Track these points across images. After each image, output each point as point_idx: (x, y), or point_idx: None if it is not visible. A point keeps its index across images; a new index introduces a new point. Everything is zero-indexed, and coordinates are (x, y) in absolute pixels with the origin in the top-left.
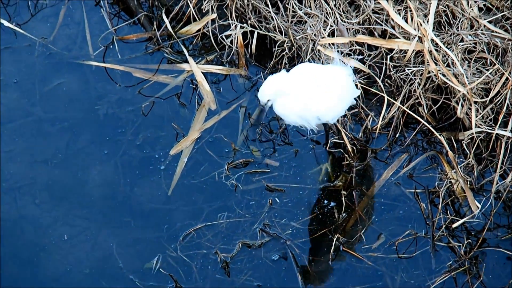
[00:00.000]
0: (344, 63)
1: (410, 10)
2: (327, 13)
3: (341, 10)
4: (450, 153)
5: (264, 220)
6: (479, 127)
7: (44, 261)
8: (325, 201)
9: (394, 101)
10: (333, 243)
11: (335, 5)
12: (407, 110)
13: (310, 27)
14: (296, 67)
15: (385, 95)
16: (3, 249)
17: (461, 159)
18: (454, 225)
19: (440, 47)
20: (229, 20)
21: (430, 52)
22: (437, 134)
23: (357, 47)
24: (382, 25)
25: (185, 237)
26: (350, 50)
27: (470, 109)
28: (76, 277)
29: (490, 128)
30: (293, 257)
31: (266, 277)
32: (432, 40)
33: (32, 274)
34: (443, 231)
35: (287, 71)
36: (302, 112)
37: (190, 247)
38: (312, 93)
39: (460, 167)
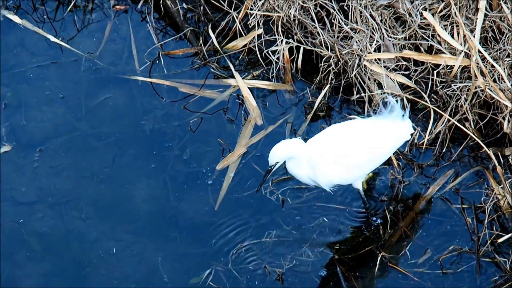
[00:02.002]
0: (392, 109)
1: (457, 26)
2: (373, 28)
3: (387, 26)
4: (498, 168)
5: (310, 236)
6: None
7: (91, 276)
8: (371, 218)
9: (443, 113)
10: (379, 259)
11: (381, 20)
12: (455, 122)
13: (356, 42)
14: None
15: (431, 109)
16: (49, 265)
17: (508, 175)
18: (500, 240)
19: (487, 62)
20: (275, 36)
21: (477, 66)
22: (486, 148)
23: (404, 63)
24: (428, 41)
25: (233, 253)
26: (397, 66)
27: None
28: None
29: None
30: (341, 272)
31: None
32: (479, 55)
33: None
34: (489, 246)
35: (303, 139)
36: (316, 179)
37: (237, 262)
38: (330, 162)
39: (507, 183)
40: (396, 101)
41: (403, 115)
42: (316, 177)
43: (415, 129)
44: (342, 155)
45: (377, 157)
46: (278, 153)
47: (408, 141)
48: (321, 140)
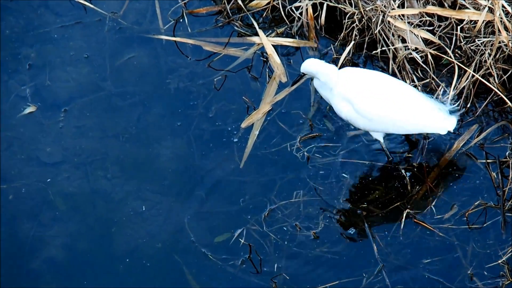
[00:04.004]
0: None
1: None
2: None
3: None
4: None
5: (337, 193)
6: None
7: (117, 235)
8: (397, 175)
9: (467, 69)
10: (404, 215)
11: None
12: (480, 78)
13: None
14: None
15: (456, 64)
16: (75, 225)
17: None
18: None
19: (510, 16)
20: None
21: (501, 21)
22: (510, 103)
23: (427, 18)
24: None
25: (262, 212)
26: (420, 21)
27: None
28: (148, 251)
29: None
30: (369, 229)
31: (341, 249)
32: (503, 10)
33: (104, 249)
34: None
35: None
36: (332, 105)
37: (266, 221)
38: (346, 100)
39: None
40: (453, 99)
41: (449, 109)
42: (333, 104)
43: (454, 132)
44: (360, 103)
45: (393, 125)
46: (306, 68)
47: (433, 95)
48: (354, 78)
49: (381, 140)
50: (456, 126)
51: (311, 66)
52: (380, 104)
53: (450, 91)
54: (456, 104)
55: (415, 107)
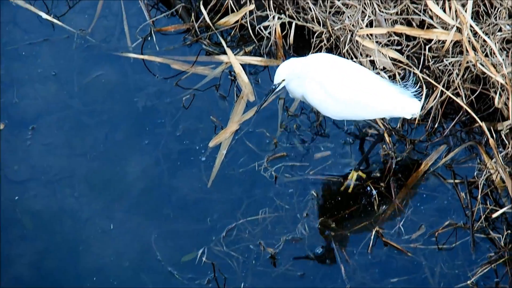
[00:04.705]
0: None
1: (448, 0)
2: (365, 3)
3: (379, 0)
4: (491, 140)
5: (304, 212)
6: None
7: (84, 254)
8: (364, 194)
9: (437, 85)
10: (373, 235)
11: None
12: (449, 94)
13: (348, 17)
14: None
15: (423, 84)
16: (43, 244)
17: (500, 149)
18: (494, 215)
19: (478, 36)
20: (267, 11)
21: (469, 41)
22: (479, 121)
23: (396, 38)
24: (420, 15)
25: (227, 230)
26: (389, 41)
27: (508, 99)
28: (116, 270)
29: None
30: (336, 248)
31: (308, 268)
32: (471, 30)
33: (71, 267)
34: (483, 222)
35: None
36: (306, 96)
37: (231, 240)
38: (319, 85)
39: (500, 157)
40: (413, 81)
41: (411, 93)
42: (306, 94)
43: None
44: (331, 82)
45: (362, 108)
46: (285, 70)
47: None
48: (323, 61)
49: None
50: (420, 111)
51: (290, 65)
52: (351, 87)
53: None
54: (418, 87)
55: (383, 91)
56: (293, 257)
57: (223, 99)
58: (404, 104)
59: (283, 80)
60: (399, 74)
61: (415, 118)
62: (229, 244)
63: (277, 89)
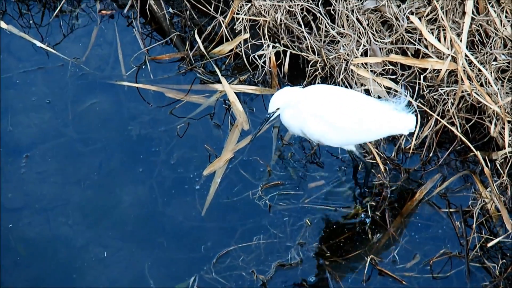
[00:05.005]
0: (390, 98)
1: (443, 29)
2: (360, 32)
3: (374, 30)
4: (486, 170)
5: (298, 240)
6: None
7: (78, 282)
8: (359, 222)
9: (432, 113)
10: (367, 263)
11: (368, 24)
12: (445, 123)
13: (343, 46)
14: (320, 86)
15: (418, 113)
16: (36, 271)
17: (495, 179)
18: (489, 244)
19: (474, 66)
20: (261, 40)
21: (464, 70)
22: (474, 150)
23: (390, 67)
24: (415, 45)
25: (219, 258)
26: (383, 70)
27: (503, 128)
28: None
29: None
30: (330, 276)
31: None
32: (466, 59)
33: None
34: (478, 251)
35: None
36: (305, 130)
37: (224, 268)
38: (319, 116)
39: (495, 186)
40: (405, 95)
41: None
42: (305, 128)
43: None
44: (331, 114)
45: (364, 132)
46: (282, 98)
47: (395, 145)
48: (321, 95)
49: (354, 149)
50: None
51: (285, 94)
52: (351, 114)
53: (412, 140)
54: (407, 99)
55: (381, 112)
56: (286, 286)
57: (218, 128)
58: (401, 121)
59: (278, 108)
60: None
61: (410, 147)
62: (222, 271)
63: (272, 118)
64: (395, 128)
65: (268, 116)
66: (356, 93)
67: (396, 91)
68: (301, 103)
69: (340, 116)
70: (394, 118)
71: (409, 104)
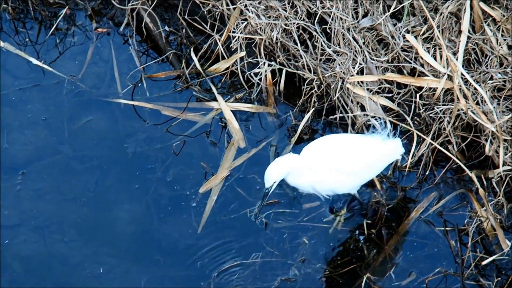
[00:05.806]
0: (378, 131)
1: (439, 48)
2: (356, 51)
3: (370, 48)
4: (480, 190)
5: (295, 258)
6: (508, 165)
7: None
8: (354, 240)
9: (425, 137)
10: (364, 281)
11: (364, 43)
12: (438, 146)
13: (339, 65)
14: (311, 144)
15: (415, 132)
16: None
17: (491, 197)
18: (484, 263)
19: (470, 84)
20: (257, 58)
21: (460, 89)
22: (468, 171)
23: (386, 85)
24: (411, 63)
25: (216, 275)
26: (379, 88)
27: (499, 147)
28: None
29: None
30: None
31: None
32: (462, 78)
33: None
34: (473, 269)
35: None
36: (316, 186)
37: (220, 285)
38: (328, 169)
39: (490, 205)
40: (380, 124)
41: (390, 136)
42: (316, 183)
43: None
44: (340, 163)
45: (369, 169)
46: (277, 172)
47: (391, 163)
48: (319, 150)
49: (355, 192)
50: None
51: (279, 167)
52: (355, 156)
53: (408, 159)
54: (389, 129)
55: (376, 147)
56: None
57: (214, 146)
58: (392, 148)
59: (275, 182)
60: (390, 121)
61: (406, 165)
62: None
63: (271, 192)
64: (390, 157)
65: (267, 191)
66: (344, 135)
67: (392, 109)
68: (302, 167)
69: (349, 161)
70: (387, 148)
71: (393, 129)
